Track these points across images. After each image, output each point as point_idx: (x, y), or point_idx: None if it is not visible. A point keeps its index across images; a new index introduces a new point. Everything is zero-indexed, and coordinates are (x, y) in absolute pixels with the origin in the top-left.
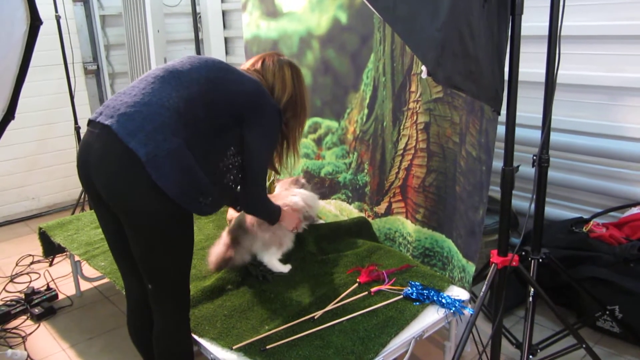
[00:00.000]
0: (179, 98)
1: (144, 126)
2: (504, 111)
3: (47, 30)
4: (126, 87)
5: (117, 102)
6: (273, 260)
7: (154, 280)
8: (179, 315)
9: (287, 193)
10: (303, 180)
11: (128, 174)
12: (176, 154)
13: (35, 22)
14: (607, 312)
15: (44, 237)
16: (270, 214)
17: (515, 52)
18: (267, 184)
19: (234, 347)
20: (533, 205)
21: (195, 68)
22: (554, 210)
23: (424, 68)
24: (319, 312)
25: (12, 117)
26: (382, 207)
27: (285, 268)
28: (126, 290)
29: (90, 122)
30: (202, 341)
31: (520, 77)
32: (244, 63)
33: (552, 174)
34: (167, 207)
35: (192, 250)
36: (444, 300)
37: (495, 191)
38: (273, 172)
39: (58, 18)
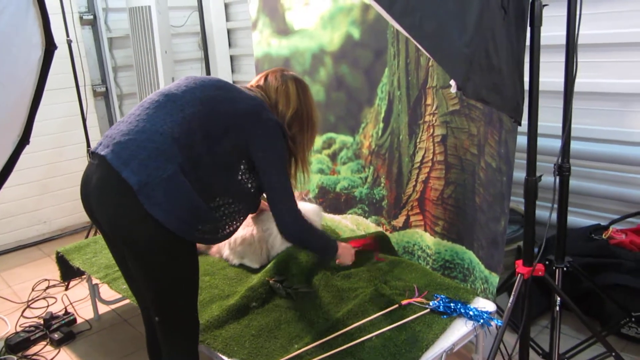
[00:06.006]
0: (173, 122)
1: (138, 154)
2: (522, 121)
3: (57, 54)
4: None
5: (115, 131)
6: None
7: (159, 312)
8: (187, 347)
9: None
10: (309, 196)
11: (123, 203)
12: (170, 182)
13: (50, 47)
14: (633, 319)
15: (62, 261)
16: (319, 243)
17: (535, 63)
18: None
19: None
20: (553, 214)
21: (190, 89)
22: (570, 218)
23: (453, 82)
24: (347, 328)
25: (27, 142)
26: (400, 221)
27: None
28: (142, 315)
29: (91, 154)
30: None
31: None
32: (251, 80)
33: None
34: (163, 236)
35: (197, 279)
36: (471, 313)
37: (511, 201)
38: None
39: (69, 42)
